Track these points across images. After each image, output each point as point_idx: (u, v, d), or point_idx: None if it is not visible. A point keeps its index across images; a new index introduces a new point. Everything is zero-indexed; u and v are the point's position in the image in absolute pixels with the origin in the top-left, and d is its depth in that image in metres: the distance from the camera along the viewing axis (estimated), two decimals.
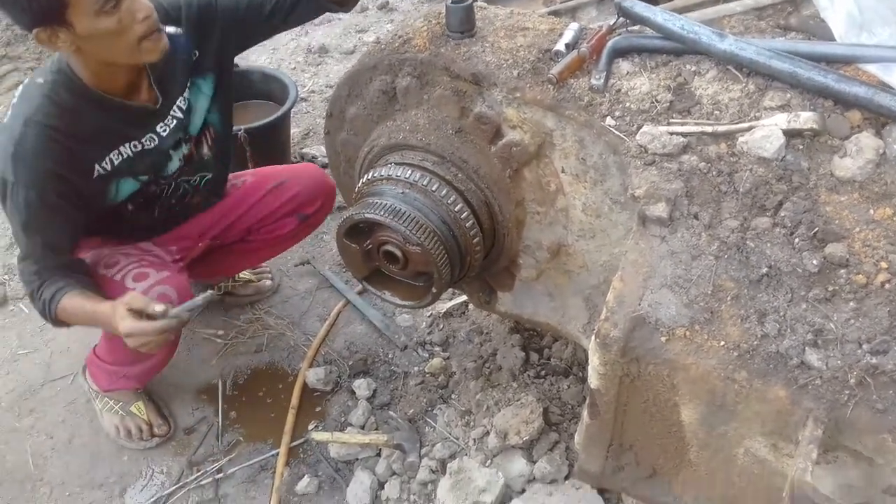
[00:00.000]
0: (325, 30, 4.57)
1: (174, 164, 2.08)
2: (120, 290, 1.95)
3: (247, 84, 3.29)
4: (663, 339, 1.29)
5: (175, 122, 2.02)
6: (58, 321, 1.90)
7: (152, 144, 1.99)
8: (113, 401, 2.30)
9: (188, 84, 2.04)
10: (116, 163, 1.92)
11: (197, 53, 2.04)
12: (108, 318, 1.80)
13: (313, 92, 3.99)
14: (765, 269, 1.29)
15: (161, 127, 2.00)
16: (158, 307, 1.76)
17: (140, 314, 1.75)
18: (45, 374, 2.54)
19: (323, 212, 2.49)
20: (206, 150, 2.18)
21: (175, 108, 2.02)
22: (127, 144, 1.93)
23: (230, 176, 2.39)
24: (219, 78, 2.12)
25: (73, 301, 1.88)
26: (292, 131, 3.47)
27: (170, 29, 1.86)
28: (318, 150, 3.48)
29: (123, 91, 1.89)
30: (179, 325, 1.83)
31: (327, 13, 2.24)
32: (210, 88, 2.11)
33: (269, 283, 2.79)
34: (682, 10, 2.88)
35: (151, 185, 2.06)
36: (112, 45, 1.72)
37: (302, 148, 3.52)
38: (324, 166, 3.35)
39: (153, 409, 2.32)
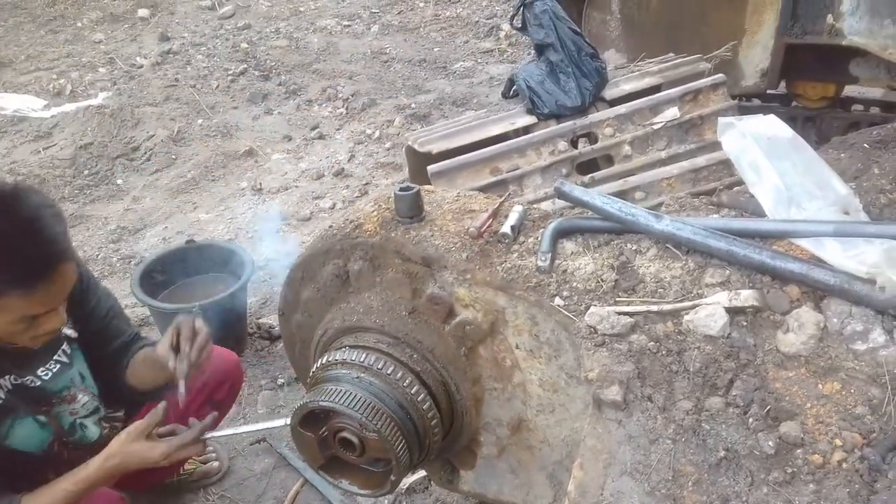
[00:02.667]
0: (283, 197, 4.69)
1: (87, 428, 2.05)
2: None
3: (205, 257, 3.32)
4: None
5: (59, 365, 1.98)
6: None
7: (36, 384, 1.93)
8: None
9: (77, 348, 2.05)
10: (2, 395, 1.85)
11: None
12: (122, 466, 1.80)
13: (271, 259, 4.02)
14: (722, 453, 1.28)
15: (43, 370, 1.95)
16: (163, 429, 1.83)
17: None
18: None
19: (233, 393, 2.47)
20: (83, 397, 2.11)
21: (60, 350, 1.99)
22: (9, 377, 1.87)
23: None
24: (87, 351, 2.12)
25: (41, 497, 1.79)
26: (249, 301, 3.47)
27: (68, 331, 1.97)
28: (275, 319, 3.46)
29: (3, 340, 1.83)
30: (213, 425, 1.87)
31: None
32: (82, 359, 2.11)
33: (216, 464, 2.68)
34: (622, 175, 3.05)
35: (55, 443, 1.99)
36: (5, 336, 1.74)
37: (259, 318, 3.51)
38: (279, 336, 3.33)
39: None
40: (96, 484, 1.83)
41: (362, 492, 1.79)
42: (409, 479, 2.48)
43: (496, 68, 6.51)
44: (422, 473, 2.47)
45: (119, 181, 5.02)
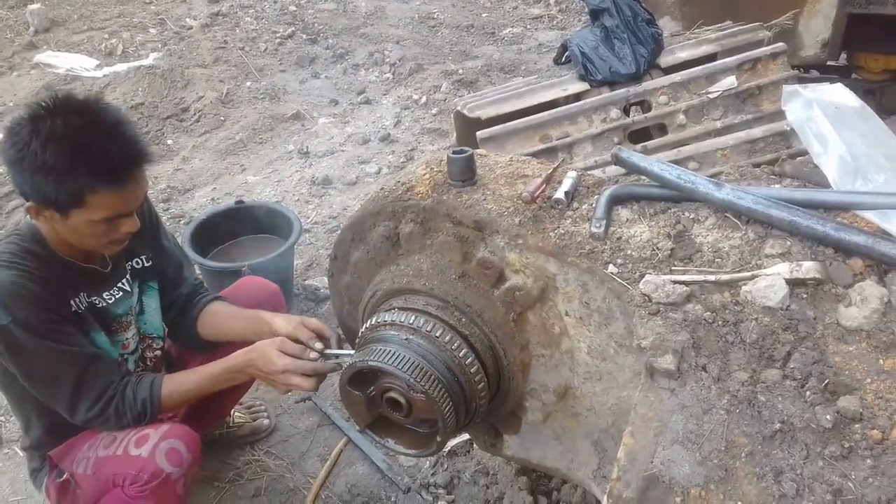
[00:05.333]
0: (329, 161, 4.71)
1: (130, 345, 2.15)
2: (125, 461, 1.93)
3: (253, 218, 3.35)
4: (678, 499, 1.25)
5: (121, 293, 2.08)
6: (161, 410, 1.97)
7: (102, 305, 2.03)
8: None
9: (138, 283, 2.16)
10: (82, 308, 1.95)
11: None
12: (251, 363, 1.93)
13: (316, 223, 4.06)
14: (778, 425, 1.26)
15: (108, 294, 2.04)
16: (314, 354, 1.92)
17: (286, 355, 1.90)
18: None
19: None
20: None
21: (124, 279, 2.10)
22: (82, 294, 1.97)
23: None
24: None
25: (177, 379, 2.00)
26: (296, 262, 3.50)
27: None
28: (321, 281, 3.50)
29: (81, 257, 1.96)
30: (332, 370, 1.92)
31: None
32: (156, 297, 2.23)
33: (266, 422, 2.73)
34: (676, 144, 2.99)
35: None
36: (85, 239, 1.86)
37: (305, 279, 3.54)
38: (326, 298, 3.37)
39: None
40: (230, 370, 1.98)
41: (408, 451, 1.81)
42: (451, 442, 2.50)
43: (545, 35, 6.42)
44: (464, 437, 2.49)
45: (169, 141, 5.09)
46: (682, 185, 1.57)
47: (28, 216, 1.83)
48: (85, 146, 1.70)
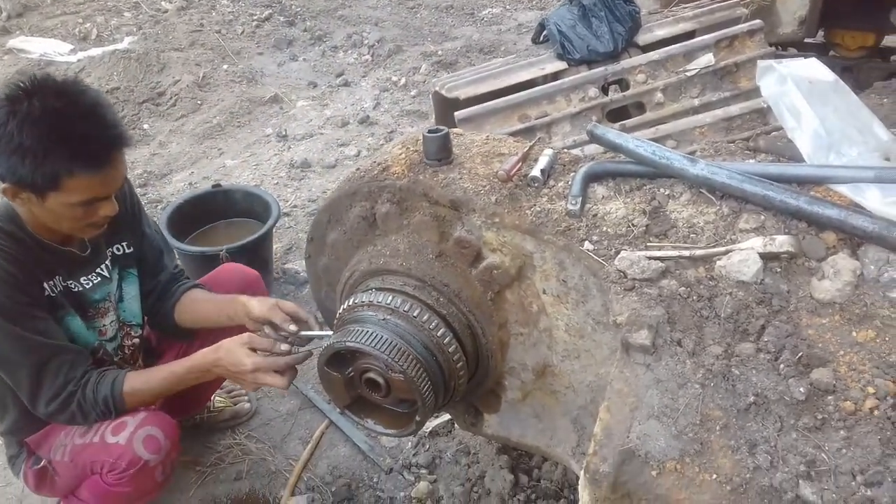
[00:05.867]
0: (307, 144, 4.67)
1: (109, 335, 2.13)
2: (102, 449, 1.93)
3: (231, 202, 3.33)
4: (654, 472, 1.25)
5: (100, 278, 2.06)
6: (124, 408, 1.94)
7: (78, 289, 2.00)
8: None
9: (118, 270, 2.13)
10: (55, 291, 1.93)
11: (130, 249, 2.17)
12: (217, 362, 1.88)
13: (296, 206, 4.03)
14: (752, 398, 1.26)
15: (85, 279, 2.02)
16: (291, 329, 1.89)
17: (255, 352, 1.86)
18: None
19: None
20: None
21: (103, 265, 2.07)
22: (57, 277, 1.94)
23: None
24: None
25: (142, 377, 1.96)
26: (275, 246, 3.48)
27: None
28: (301, 265, 3.48)
29: (58, 240, 1.94)
30: (304, 359, 1.90)
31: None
32: (136, 285, 2.21)
33: (247, 406, 2.73)
34: (654, 123, 2.99)
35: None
36: (63, 221, 1.83)
37: (284, 263, 3.52)
38: (306, 282, 3.35)
39: None
40: (195, 370, 1.94)
41: (387, 431, 1.81)
42: (432, 423, 2.51)
43: (525, 15, 6.39)
44: (445, 418, 2.50)
45: (145, 126, 5.03)
46: (657, 161, 1.57)
47: (4, 197, 1.80)
48: (62, 129, 1.67)
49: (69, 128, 1.68)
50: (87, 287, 2.02)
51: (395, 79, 5.39)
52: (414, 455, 2.46)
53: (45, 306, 1.89)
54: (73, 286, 1.98)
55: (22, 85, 1.70)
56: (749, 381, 1.29)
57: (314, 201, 4.05)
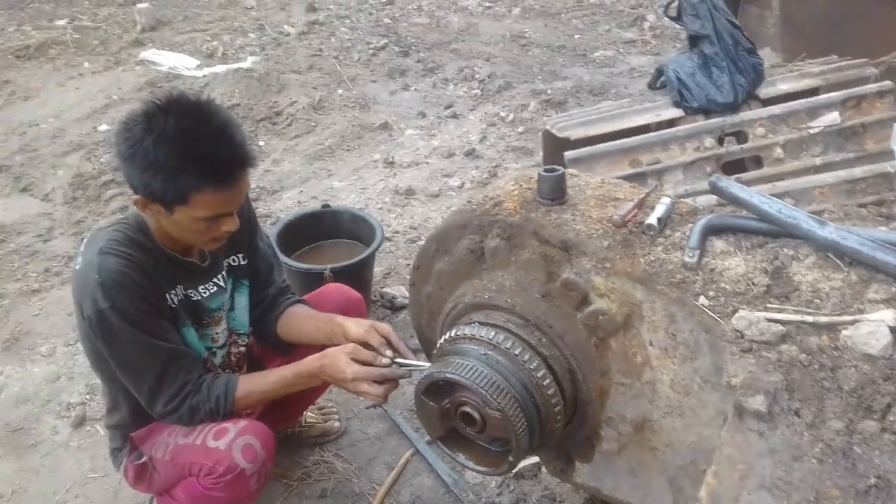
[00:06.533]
0: (413, 172, 4.75)
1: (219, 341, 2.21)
2: (202, 452, 1.99)
3: (337, 223, 3.42)
4: None
5: (216, 288, 2.14)
6: (234, 410, 2.02)
7: (196, 298, 2.09)
8: None
9: (231, 280, 2.22)
10: (176, 301, 2.02)
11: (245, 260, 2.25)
12: (322, 368, 1.96)
13: (397, 232, 4.10)
14: (873, 480, 1.19)
15: (203, 288, 2.11)
16: (388, 354, 1.93)
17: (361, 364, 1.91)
18: (112, 501, 2.54)
19: None
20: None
21: (220, 275, 2.16)
22: (179, 286, 2.03)
23: None
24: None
25: (253, 380, 2.06)
26: (375, 270, 3.54)
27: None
28: (398, 290, 3.53)
29: (181, 250, 2.03)
30: (403, 376, 1.95)
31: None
32: (246, 295, 2.29)
33: (336, 424, 2.76)
34: (771, 179, 2.90)
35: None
36: (187, 234, 1.93)
37: (382, 287, 3.58)
38: (402, 307, 3.39)
39: None
40: (303, 375, 2.02)
41: (478, 468, 1.80)
42: (521, 463, 2.47)
43: (637, 59, 6.34)
44: (532, 460, 2.45)
45: (261, 143, 5.24)
46: (783, 220, 1.52)
47: (135, 207, 1.91)
48: (194, 147, 1.76)
49: (201, 147, 1.77)
50: (205, 296, 2.11)
51: (503, 114, 5.43)
52: (498, 495, 2.43)
53: (167, 316, 1.99)
54: (192, 295, 2.08)
55: (158, 102, 1.80)
56: (871, 461, 1.22)
57: (416, 228, 4.11)
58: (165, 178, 1.76)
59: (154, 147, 1.74)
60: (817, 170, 2.91)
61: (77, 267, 1.93)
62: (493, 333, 1.73)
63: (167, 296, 1.99)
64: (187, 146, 1.75)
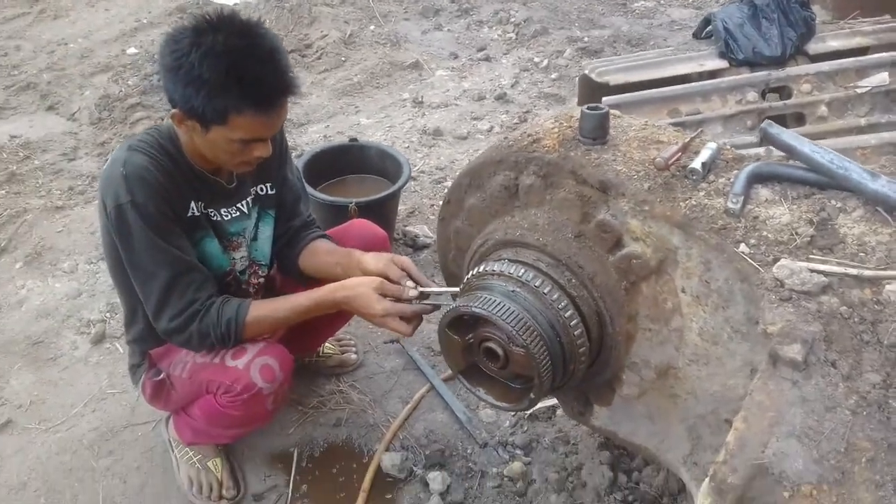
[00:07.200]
0: (442, 113, 4.69)
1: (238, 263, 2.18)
2: (221, 371, 2.00)
3: (364, 158, 3.38)
4: (786, 494, 1.18)
5: (239, 213, 2.12)
6: (245, 335, 1.98)
7: (217, 218, 2.07)
8: (192, 452, 2.30)
9: (257, 209, 2.19)
10: (196, 213, 1.99)
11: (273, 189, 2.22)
12: (347, 300, 1.92)
13: (423, 172, 4.06)
14: None
15: (225, 211, 2.08)
16: (413, 292, 1.89)
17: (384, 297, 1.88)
18: (129, 416, 2.57)
19: None
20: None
21: (245, 201, 2.13)
22: (200, 202, 2.01)
23: None
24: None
25: (267, 306, 2.01)
26: (399, 208, 3.52)
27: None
28: (421, 229, 3.50)
29: (209, 169, 2.01)
30: (431, 310, 1.92)
31: None
32: (272, 226, 2.26)
33: (353, 356, 2.77)
34: (814, 137, 2.82)
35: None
36: (219, 154, 1.88)
37: (406, 225, 3.56)
38: (424, 246, 3.38)
39: (227, 470, 2.31)
40: (321, 305, 1.98)
41: (499, 403, 1.79)
42: (539, 404, 2.48)
43: (678, 12, 6.17)
44: (548, 402, 2.46)
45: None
46: (834, 171, 1.47)
47: (170, 120, 1.88)
48: (241, 67, 1.72)
49: (247, 67, 1.73)
50: (226, 219, 2.09)
51: (536, 60, 5.32)
52: (511, 434, 2.43)
53: (186, 225, 1.97)
54: (212, 214, 2.05)
55: (208, 18, 1.75)
56: None
57: (442, 169, 4.07)
58: (207, 94, 1.72)
59: (200, 62, 1.70)
60: (861, 130, 2.82)
61: (105, 165, 1.92)
62: (522, 271, 1.70)
63: (191, 204, 1.97)
64: (234, 65, 1.71)
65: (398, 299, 1.89)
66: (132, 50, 5.43)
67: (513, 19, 5.93)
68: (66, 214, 3.75)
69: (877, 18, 3.36)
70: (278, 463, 2.41)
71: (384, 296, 1.89)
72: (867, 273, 1.36)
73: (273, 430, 2.48)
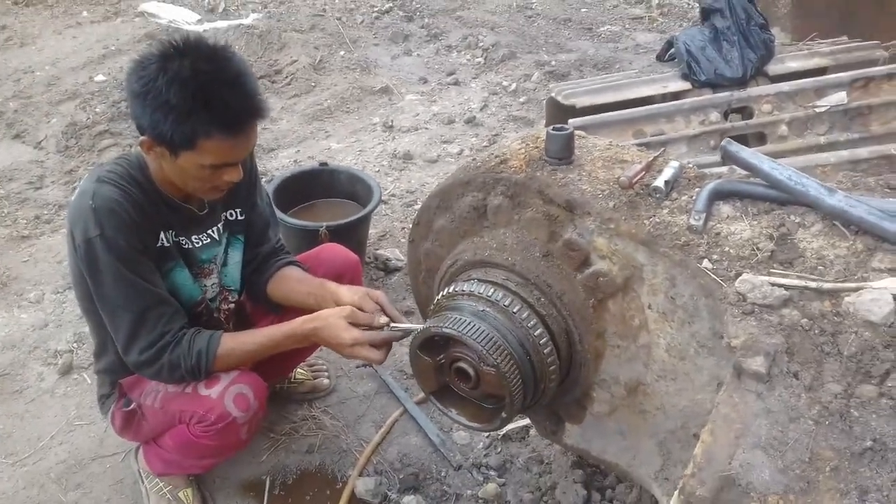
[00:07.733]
0: (412, 137, 4.71)
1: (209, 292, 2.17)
2: (194, 400, 1.98)
3: (334, 182, 3.39)
4: None
5: (210, 240, 2.11)
6: (215, 367, 1.96)
7: (188, 246, 2.06)
8: (163, 483, 2.26)
9: (227, 235, 2.18)
10: (167, 243, 1.98)
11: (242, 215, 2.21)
12: (316, 332, 1.91)
13: (394, 196, 4.07)
14: (869, 443, 1.19)
15: (196, 238, 2.07)
16: (384, 319, 1.90)
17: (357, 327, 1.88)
18: (97, 448, 2.52)
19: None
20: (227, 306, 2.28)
21: (215, 227, 2.12)
22: (171, 231, 2.00)
23: None
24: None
25: (238, 338, 1.99)
26: (370, 231, 3.52)
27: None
28: (393, 252, 3.51)
29: (179, 196, 2.00)
30: (401, 337, 1.91)
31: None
32: (241, 252, 2.25)
33: (325, 381, 2.76)
34: (774, 155, 2.88)
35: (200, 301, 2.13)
36: (189, 181, 1.88)
37: (377, 249, 3.56)
38: (396, 269, 3.38)
39: (199, 500, 2.28)
40: (293, 337, 1.96)
41: (470, 424, 1.79)
42: (507, 426, 2.48)
43: (644, 36, 6.29)
44: (521, 422, 2.46)
45: None
46: (792, 187, 1.51)
47: (139, 148, 1.87)
48: (207, 91, 1.72)
49: (214, 91, 1.73)
50: (197, 246, 2.08)
51: (505, 83, 5.38)
52: (485, 456, 2.43)
53: (156, 256, 1.95)
54: (183, 242, 2.04)
55: (175, 43, 1.76)
56: (868, 424, 1.22)
57: (412, 192, 4.08)
58: (175, 119, 1.72)
59: (167, 88, 1.70)
60: (821, 149, 2.89)
61: (74, 196, 1.90)
62: (491, 290, 1.72)
63: (161, 234, 1.95)
64: (201, 89, 1.71)
65: (370, 327, 1.89)
66: (100, 77, 5.40)
67: (481, 44, 6.00)
68: (32, 244, 3.70)
69: (834, 40, 3.46)
70: (250, 491, 2.38)
71: (355, 325, 1.88)
72: (826, 286, 1.39)
73: (245, 457, 2.45)
